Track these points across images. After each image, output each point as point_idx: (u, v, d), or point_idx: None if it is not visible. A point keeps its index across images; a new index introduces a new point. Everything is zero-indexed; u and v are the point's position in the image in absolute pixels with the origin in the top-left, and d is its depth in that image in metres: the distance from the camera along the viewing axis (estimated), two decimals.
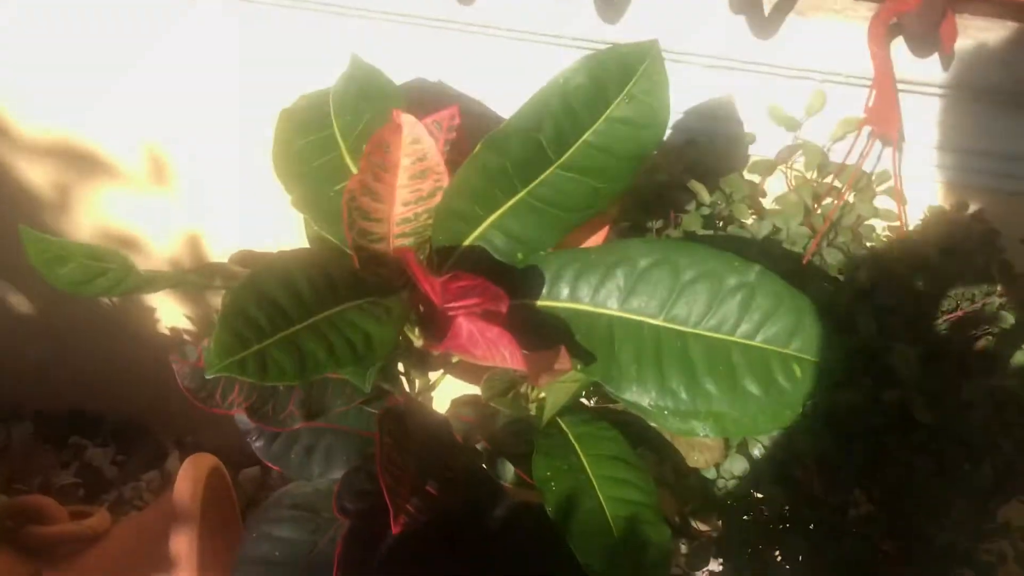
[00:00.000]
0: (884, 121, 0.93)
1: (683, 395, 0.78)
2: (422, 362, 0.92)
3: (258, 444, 0.94)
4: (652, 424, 0.92)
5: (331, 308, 0.74)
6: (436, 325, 0.81)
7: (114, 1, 1.16)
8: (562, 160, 0.80)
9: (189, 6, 1.13)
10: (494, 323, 0.75)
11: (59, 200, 1.40)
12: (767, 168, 1.10)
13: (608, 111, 0.78)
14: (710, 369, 0.79)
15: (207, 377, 0.65)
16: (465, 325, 0.76)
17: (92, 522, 1.32)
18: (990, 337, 0.98)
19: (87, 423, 1.75)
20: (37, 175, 1.37)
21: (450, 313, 0.79)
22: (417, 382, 0.95)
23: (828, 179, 1.05)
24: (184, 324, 1.55)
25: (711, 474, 0.96)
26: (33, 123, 1.32)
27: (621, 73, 0.78)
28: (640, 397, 0.79)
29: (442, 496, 0.78)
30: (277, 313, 0.69)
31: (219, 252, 1.41)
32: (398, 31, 1.08)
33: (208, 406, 0.82)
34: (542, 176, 0.81)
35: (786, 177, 1.11)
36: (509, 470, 0.93)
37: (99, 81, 1.24)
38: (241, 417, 0.94)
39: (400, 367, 0.95)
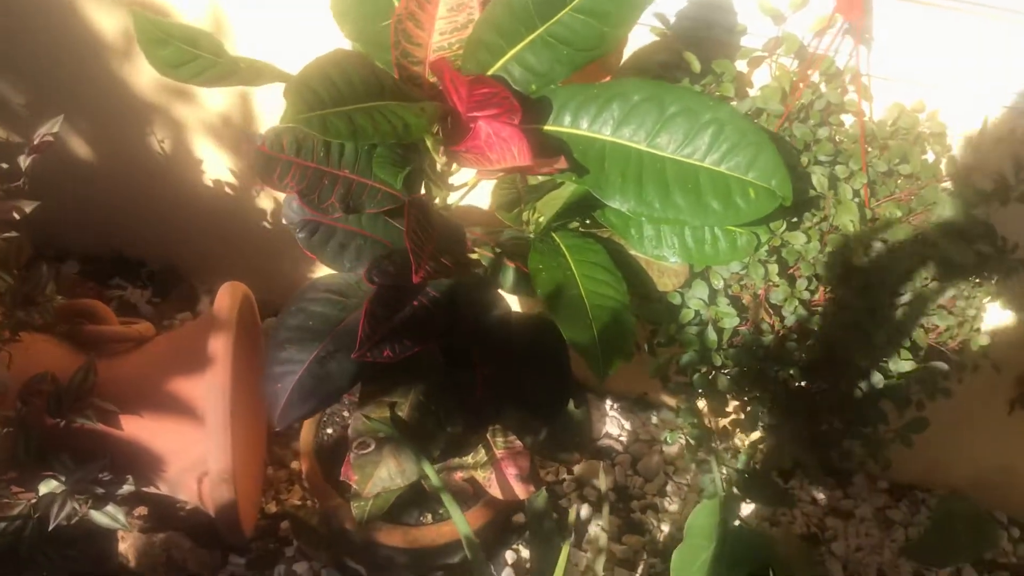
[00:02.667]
0: (850, 9, 1.09)
1: (656, 204, 0.96)
2: (443, 180, 1.09)
3: (301, 235, 1.11)
4: (631, 252, 1.11)
5: (377, 100, 0.91)
6: (459, 132, 0.98)
7: None
8: (575, 2, 0.97)
9: None
10: (506, 125, 0.92)
11: (127, 49, 1.56)
12: (755, 58, 1.26)
13: None
14: (681, 187, 0.96)
15: (281, 123, 0.82)
16: (484, 127, 0.94)
17: (139, 327, 1.51)
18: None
19: (128, 267, 1.93)
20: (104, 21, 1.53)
21: (471, 123, 0.97)
22: (437, 199, 1.12)
23: (806, 71, 1.21)
24: (228, 177, 1.72)
25: (677, 300, 1.13)
26: None
27: None
28: (622, 204, 0.97)
29: (454, 268, 0.95)
30: (335, 92, 0.87)
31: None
32: None
33: (270, 184, 0.99)
34: (558, 15, 0.98)
35: (770, 69, 1.27)
36: (508, 278, 1.10)
37: None
38: (289, 211, 1.11)
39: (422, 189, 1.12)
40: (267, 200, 1.73)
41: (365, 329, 0.96)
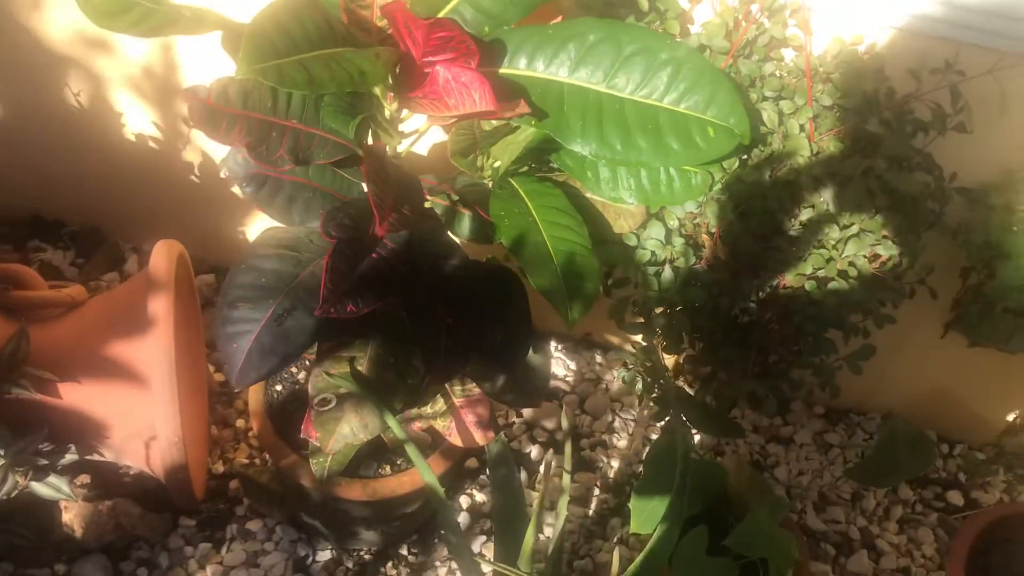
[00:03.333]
0: None
1: (618, 147, 0.95)
2: (393, 127, 1.07)
3: (248, 189, 1.08)
4: (587, 195, 1.10)
5: (331, 48, 0.88)
6: (412, 79, 0.95)
7: None
8: None
9: None
10: (464, 68, 0.90)
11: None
12: None
13: None
14: (641, 128, 0.96)
15: (236, 76, 0.78)
16: (442, 72, 0.91)
17: (70, 291, 1.44)
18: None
19: (47, 228, 1.84)
20: None
21: (426, 68, 0.94)
22: (387, 148, 1.09)
23: (749, 7, 1.21)
24: (151, 131, 1.64)
25: (632, 241, 1.14)
26: None
27: None
28: (583, 148, 0.96)
29: (415, 219, 0.93)
30: (290, 41, 0.83)
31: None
32: None
33: (216, 138, 0.95)
34: None
35: (712, 5, 1.26)
36: (465, 226, 1.09)
37: None
38: (233, 164, 1.07)
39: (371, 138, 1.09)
40: (193, 153, 1.67)
41: (327, 285, 0.93)
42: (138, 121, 1.64)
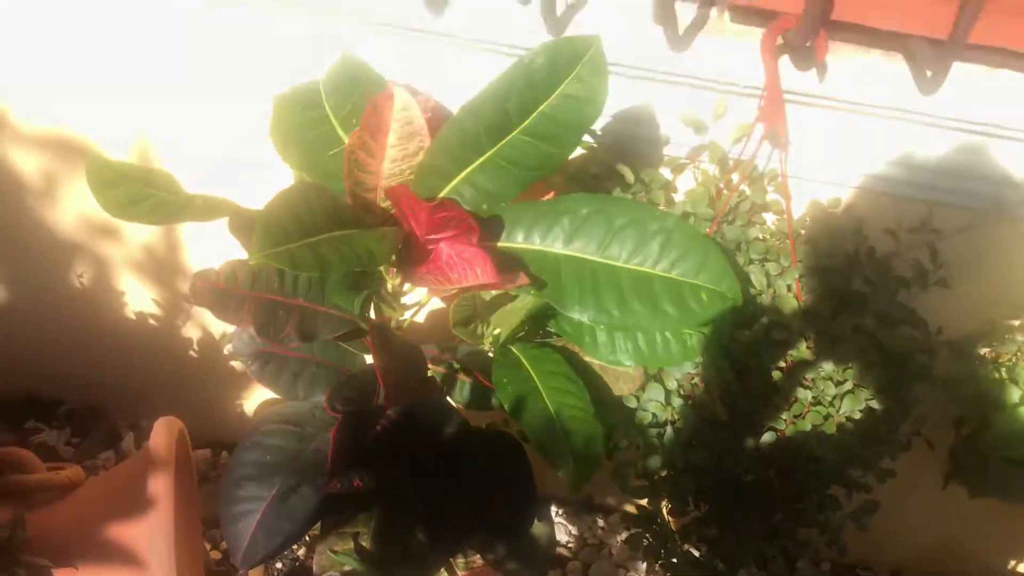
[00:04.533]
0: (772, 120, 1.16)
1: (615, 312, 0.98)
2: (395, 300, 1.10)
3: (254, 367, 1.09)
4: (586, 359, 1.13)
5: (340, 230, 0.92)
6: (415, 256, 0.99)
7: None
8: (523, 126, 1.00)
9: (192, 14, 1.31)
10: (466, 244, 0.94)
11: (47, 188, 1.53)
12: (679, 166, 1.32)
13: (561, 87, 0.99)
14: (637, 294, 0.99)
15: (250, 263, 0.82)
16: (445, 250, 0.96)
17: (68, 472, 1.43)
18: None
19: (43, 407, 1.85)
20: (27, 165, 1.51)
21: (429, 246, 0.98)
22: (391, 321, 1.12)
23: (730, 176, 1.28)
24: (151, 308, 1.68)
25: (633, 403, 1.15)
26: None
27: (572, 58, 0.99)
28: (582, 314, 0.99)
29: (418, 388, 0.95)
30: (300, 226, 0.87)
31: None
32: (373, 38, 1.28)
33: (224, 319, 0.97)
34: (507, 139, 1.01)
35: (694, 175, 1.33)
36: (465, 393, 1.11)
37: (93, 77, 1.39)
38: (239, 343, 1.10)
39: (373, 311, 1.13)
40: (193, 328, 1.70)
41: (335, 459, 0.94)
42: (139, 300, 1.67)
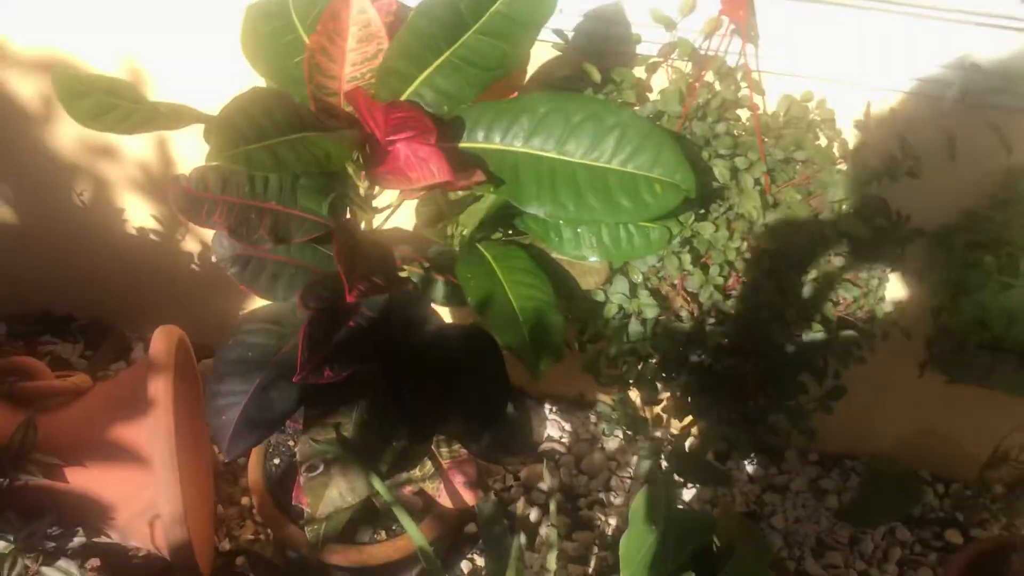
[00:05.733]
0: (734, 10, 1.16)
1: (571, 207, 1.01)
2: (367, 203, 1.14)
3: (233, 270, 1.14)
4: (553, 255, 1.17)
5: (299, 132, 0.95)
6: (377, 157, 1.02)
7: None
8: (477, 25, 1.02)
9: None
10: (422, 144, 0.97)
11: (46, 112, 1.57)
12: (652, 64, 1.33)
13: None
14: (592, 189, 1.02)
15: (208, 164, 0.86)
16: (403, 150, 0.99)
17: (75, 379, 1.51)
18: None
19: (57, 323, 1.92)
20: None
21: (389, 147, 1.01)
22: (363, 223, 1.16)
23: (699, 72, 1.29)
24: (151, 224, 1.73)
25: (601, 297, 1.19)
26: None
27: None
28: (538, 210, 1.02)
29: (385, 285, 0.99)
30: (257, 128, 0.90)
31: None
32: None
33: (197, 223, 1.02)
34: (463, 38, 1.03)
35: (667, 73, 1.34)
36: (439, 291, 1.15)
37: None
38: (219, 247, 1.14)
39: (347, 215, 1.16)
40: (193, 242, 1.75)
41: (304, 353, 0.99)
42: (139, 215, 1.72)
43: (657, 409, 1.35)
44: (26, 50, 1.49)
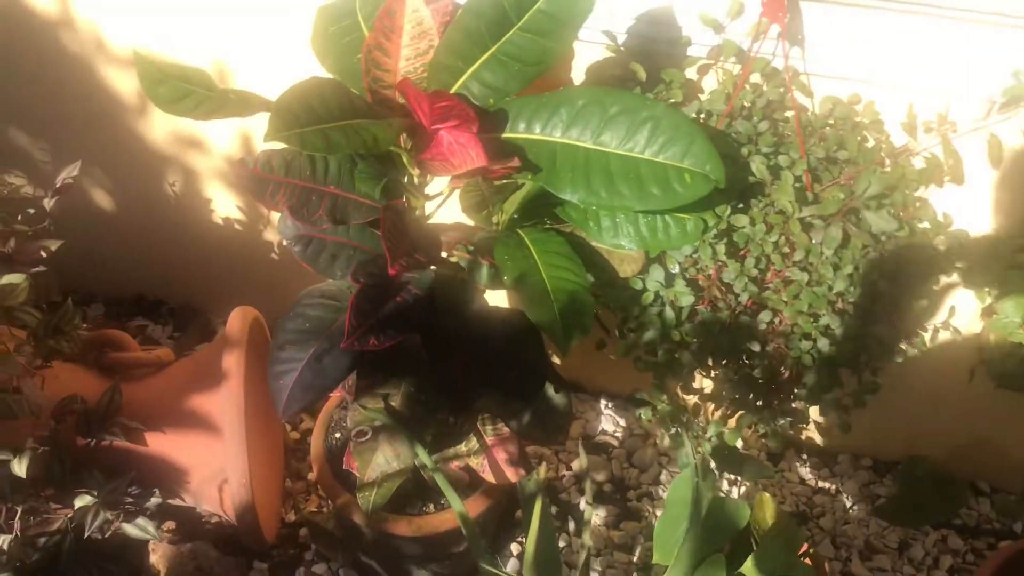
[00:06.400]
0: (773, 11, 1.21)
1: (603, 194, 1.08)
2: (419, 190, 1.22)
3: (296, 248, 1.24)
4: (593, 244, 1.23)
5: (351, 119, 1.04)
6: (424, 143, 1.11)
7: None
8: (521, 23, 1.10)
9: None
10: (464, 131, 1.05)
11: (140, 104, 1.71)
12: (703, 66, 1.38)
13: None
14: (624, 177, 1.08)
15: (265, 141, 0.95)
16: (445, 136, 1.07)
17: (159, 352, 1.64)
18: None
19: (150, 306, 2.07)
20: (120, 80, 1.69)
21: (434, 134, 1.09)
22: (417, 210, 1.24)
23: (744, 73, 1.33)
24: (236, 214, 1.85)
25: (639, 285, 1.25)
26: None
27: None
28: (572, 195, 1.09)
29: (428, 261, 1.07)
30: (312, 113, 1.00)
31: None
32: None
33: (262, 203, 1.12)
34: (507, 35, 1.11)
35: (716, 75, 1.39)
36: (483, 274, 1.22)
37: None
38: (284, 228, 1.24)
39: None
40: (272, 232, 1.87)
41: (352, 321, 1.07)
42: (225, 206, 1.85)
43: (695, 398, 1.39)
44: (122, 46, 1.63)
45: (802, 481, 1.77)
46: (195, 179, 1.81)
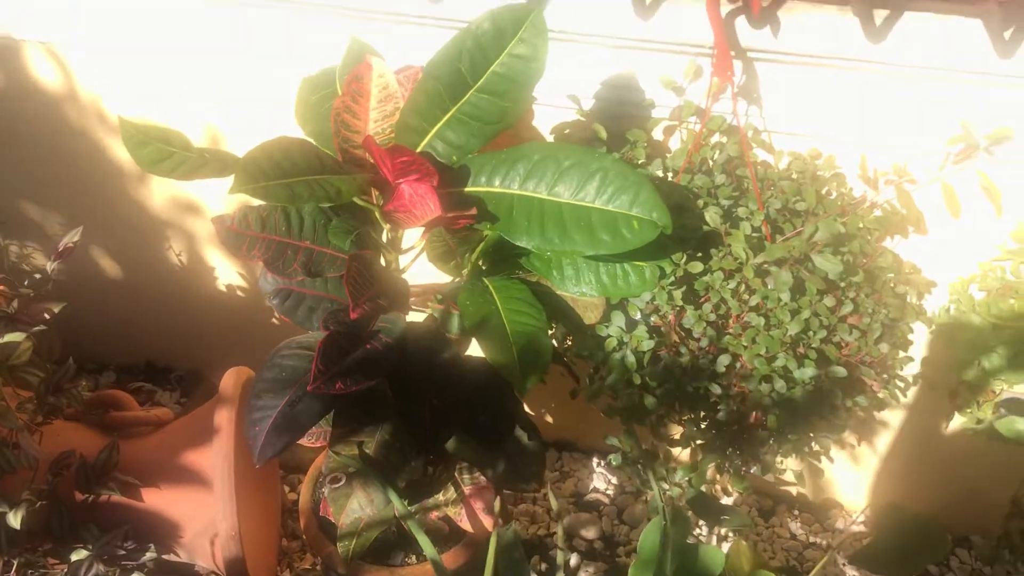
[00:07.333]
0: (722, 70, 1.27)
1: (556, 240, 1.13)
2: (393, 245, 1.29)
3: (275, 301, 1.30)
4: (558, 292, 1.28)
5: (317, 175, 1.11)
6: (388, 196, 1.17)
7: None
8: (478, 85, 1.17)
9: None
10: (423, 184, 1.12)
11: (144, 175, 1.81)
12: (668, 127, 1.45)
13: (508, 48, 1.16)
14: (576, 225, 1.14)
15: (229, 194, 1.02)
16: (406, 189, 1.13)
17: (159, 412, 1.70)
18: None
19: (158, 373, 2.15)
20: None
21: (396, 187, 1.16)
22: (392, 264, 1.31)
23: (700, 131, 1.39)
24: (239, 281, 1.93)
25: (603, 331, 1.29)
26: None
27: (514, 22, 1.15)
28: (528, 242, 1.15)
29: (389, 309, 1.13)
30: (278, 168, 1.07)
31: None
32: (390, 29, 1.47)
33: (239, 257, 1.19)
34: (466, 96, 1.18)
35: (680, 135, 1.46)
36: (454, 324, 1.28)
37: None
38: (264, 282, 1.31)
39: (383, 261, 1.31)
40: None
41: (319, 366, 1.13)
42: (228, 274, 1.93)
43: (673, 448, 1.42)
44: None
45: (793, 536, 1.77)
46: (198, 245, 1.90)
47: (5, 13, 1.63)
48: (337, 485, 1.27)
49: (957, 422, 1.55)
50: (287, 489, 1.90)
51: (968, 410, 1.47)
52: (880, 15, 1.26)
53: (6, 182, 1.88)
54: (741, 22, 1.31)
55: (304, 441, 1.35)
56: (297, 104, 1.35)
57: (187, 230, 1.88)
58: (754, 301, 1.25)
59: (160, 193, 1.83)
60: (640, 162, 1.39)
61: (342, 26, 1.48)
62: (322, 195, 1.08)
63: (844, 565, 1.71)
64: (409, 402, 1.22)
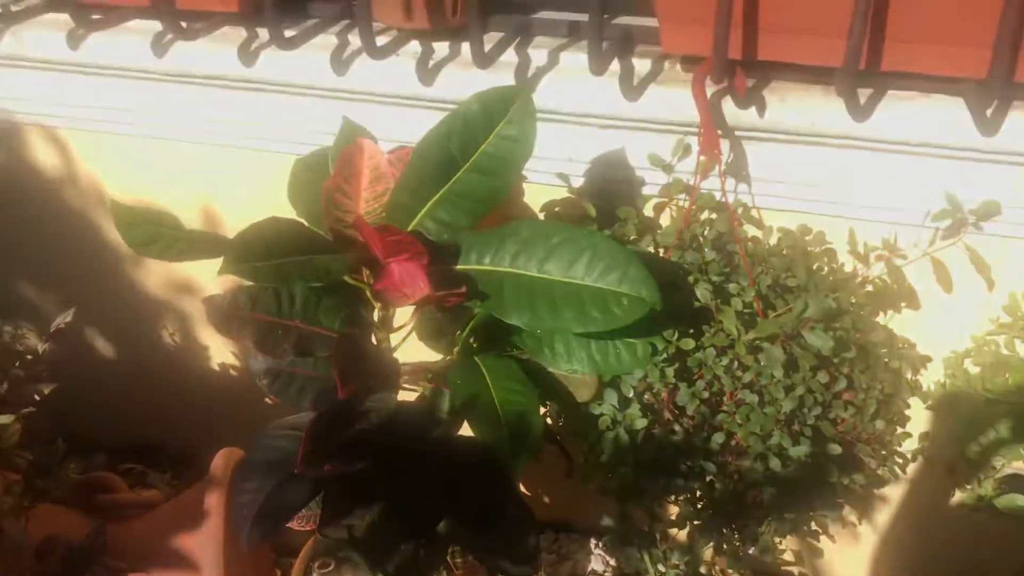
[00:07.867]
0: (709, 149, 1.29)
1: (547, 318, 1.13)
2: (384, 324, 1.28)
3: (265, 382, 1.30)
4: (550, 370, 1.27)
5: (307, 255, 1.12)
6: (378, 275, 1.18)
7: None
8: (467, 165, 1.19)
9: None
10: (413, 263, 1.12)
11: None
12: (659, 205, 1.46)
13: (497, 129, 1.17)
14: (567, 302, 1.14)
15: (218, 275, 1.03)
16: (396, 268, 1.14)
17: (148, 494, 1.68)
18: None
19: (150, 453, 2.12)
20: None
21: (387, 266, 1.17)
22: (383, 342, 1.30)
23: (688, 208, 1.40)
24: (231, 360, 1.93)
25: (596, 409, 1.28)
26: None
27: (503, 104, 1.17)
28: (519, 320, 1.14)
29: (379, 388, 1.12)
30: (267, 248, 1.08)
31: None
32: (383, 110, 1.50)
33: (228, 337, 1.19)
34: (456, 176, 1.19)
35: (670, 212, 1.47)
36: (444, 404, 1.27)
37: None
38: (254, 361, 1.30)
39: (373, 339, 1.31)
40: None
41: (306, 447, 1.11)
42: (221, 353, 1.93)
43: (670, 528, 1.39)
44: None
45: None
46: (191, 325, 1.90)
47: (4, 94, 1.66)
48: (326, 571, 1.25)
49: (959, 498, 1.53)
50: (279, 573, 1.86)
51: (968, 487, 1.45)
52: (864, 93, 1.28)
53: (2, 262, 1.89)
54: (727, 102, 1.33)
55: (293, 524, 1.33)
56: (290, 184, 1.37)
57: (181, 310, 1.88)
58: (747, 378, 1.24)
59: (154, 273, 1.83)
60: (631, 239, 1.40)
61: (336, 109, 1.51)
62: (312, 274, 1.09)
63: None
64: (399, 483, 1.21)
